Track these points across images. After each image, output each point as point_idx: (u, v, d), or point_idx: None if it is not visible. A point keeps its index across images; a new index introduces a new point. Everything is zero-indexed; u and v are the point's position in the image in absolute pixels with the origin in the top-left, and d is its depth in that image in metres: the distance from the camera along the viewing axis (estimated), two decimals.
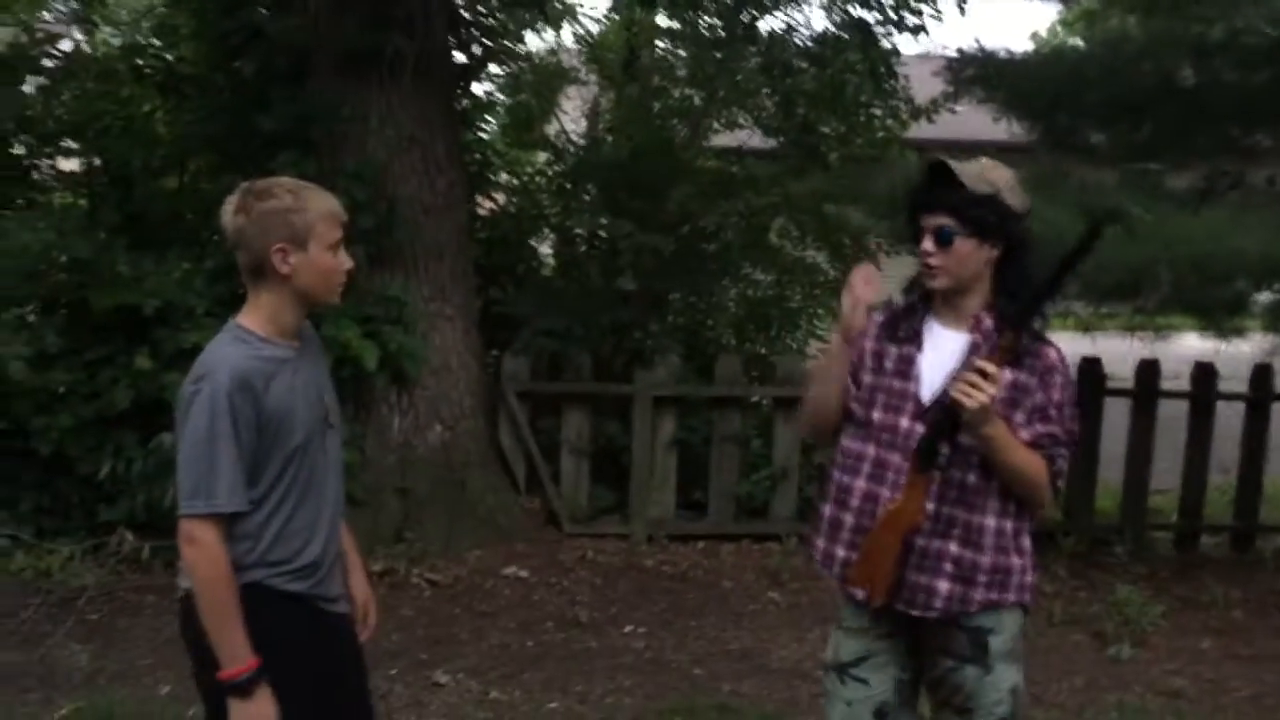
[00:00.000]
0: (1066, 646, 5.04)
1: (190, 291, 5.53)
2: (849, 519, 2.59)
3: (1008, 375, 2.44)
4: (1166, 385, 6.47)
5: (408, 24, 5.62)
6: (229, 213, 2.31)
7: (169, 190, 6.59)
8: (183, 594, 2.31)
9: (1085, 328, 6.12)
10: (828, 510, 2.65)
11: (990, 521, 2.51)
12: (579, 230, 7.15)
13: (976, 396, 2.33)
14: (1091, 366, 6.39)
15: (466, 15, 6.63)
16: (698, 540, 6.26)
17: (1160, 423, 6.43)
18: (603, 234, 6.90)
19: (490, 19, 7.05)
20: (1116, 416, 6.45)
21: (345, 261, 2.40)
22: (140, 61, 6.42)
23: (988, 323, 2.51)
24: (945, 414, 2.43)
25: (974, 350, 2.50)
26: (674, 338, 6.80)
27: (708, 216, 7.03)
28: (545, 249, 7.93)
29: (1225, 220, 5.01)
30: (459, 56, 6.82)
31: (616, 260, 6.96)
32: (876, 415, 2.56)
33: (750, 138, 7.62)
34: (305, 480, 2.34)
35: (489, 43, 7.07)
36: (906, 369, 2.56)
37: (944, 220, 2.46)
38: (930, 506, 2.48)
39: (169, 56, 6.62)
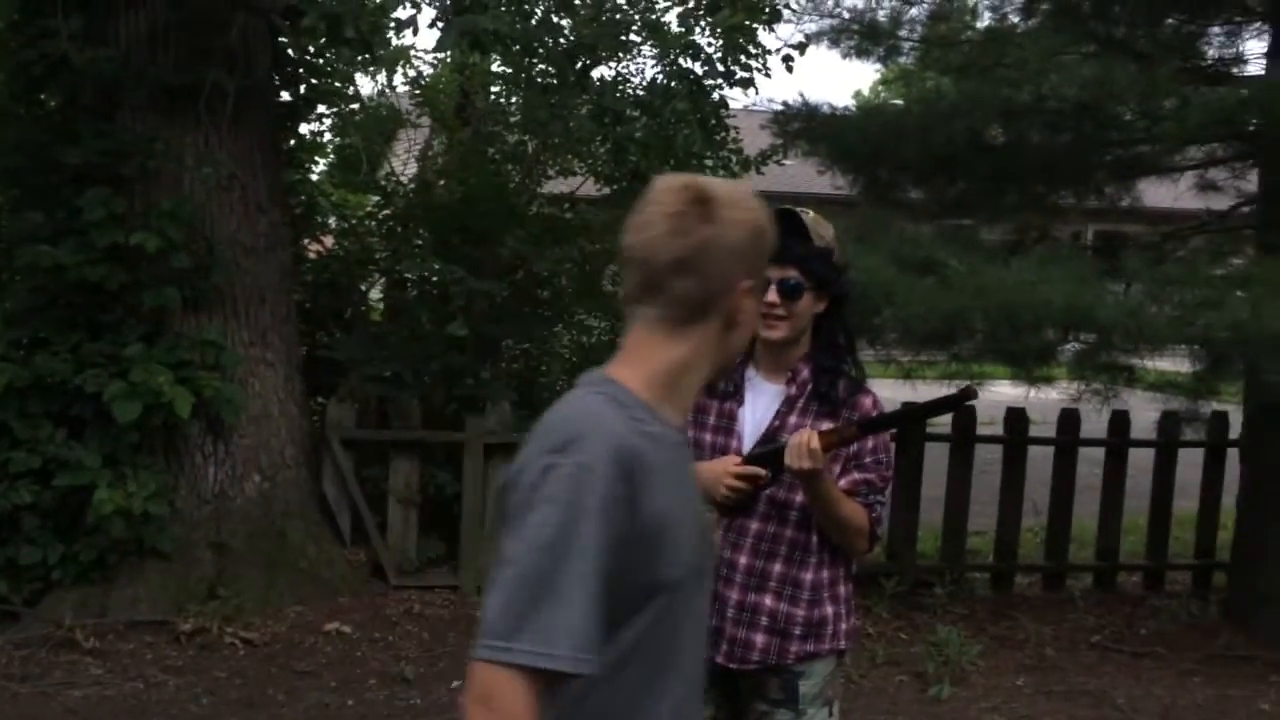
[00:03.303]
0: (889, 688, 5.13)
1: None
2: None
3: (824, 426, 2.48)
4: (982, 431, 6.72)
5: (228, 59, 5.43)
6: (688, 217, 1.52)
7: None
8: None
9: (906, 375, 6.30)
10: None
11: (808, 575, 2.54)
12: (409, 275, 7.01)
13: (802, 464, 2.38)
14: None
15: (292, 53, 6.46)
16: None
17: (977, 467, 6.67)
18: (434, 279, 6.79)
19: (318, 58, 6.89)
20: (936, 461, 6.66)
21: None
22: None
23: (804, 374, 2.56)
24: (772, 455, 2.46)
25: (788, 403, 2.55)
26: (507, 384, 6.72)
27: (541, 262, 7.00)
28: (375, 293, 7.76)
29: (1033, 272, 5.25)
30: (284, 95, 6.64)
31: (448, 305, 6.85)
32: None
33: (583, 184, 7.65)
34: (667, 641, 1.53)
35: (316, 82, 6.90)
36: (729, 424, 2.59)
37: (791, 273, 2.48)
38: (744, 560, 2.53)
39: None
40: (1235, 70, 6.37)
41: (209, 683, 4.79)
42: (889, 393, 6.94)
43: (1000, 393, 7.03)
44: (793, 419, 2.53)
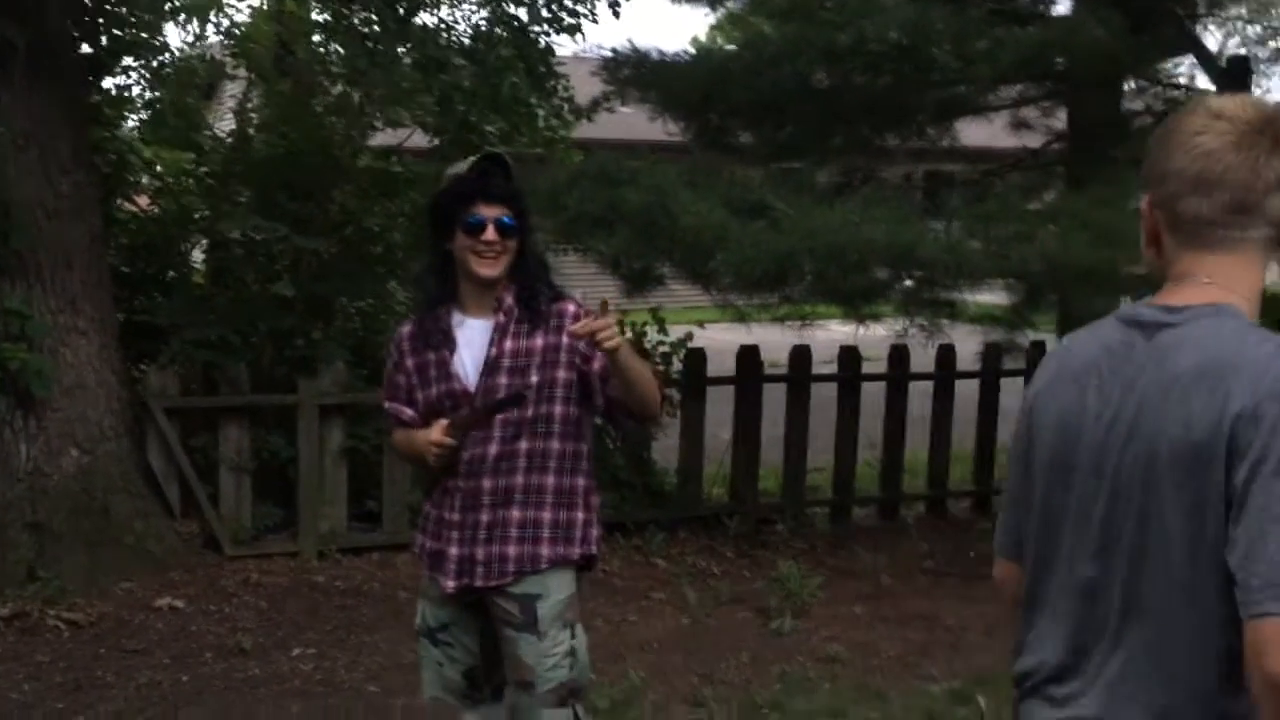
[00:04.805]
0: (733, 624, 5.24)
1: None
2: (433, 512, 2.83)
3: (538, 342, 2.69)
4: (818, 370, 6.87)
5: (15, 9, 5.08)
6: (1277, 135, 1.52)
7: None
8: None
9: (741, 318, 6.39)
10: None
11: (550, 479, 2.72)
12: (231, 234, 6.73)
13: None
14: (749, 355, 6.69)
15: (90, 3, 6.07)
16: (372, 552, 6.05)
17: (814, 405, 6.82)
18: (258, 238, 6.54)
19: (120, 7, 6.50)
20: (775, 402, 6.79)
21: None
22: None
23: (508, 301, 2.72)
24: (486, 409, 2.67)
25: (500, 330, 2.71)
26: (340, 343, 6.54)
27: (370, 217, 6.82)
28: (200, 255, 7.44)
29: (857, 213, 5.36)
30: (85, 48, 6.25)
31: (274, 265, 6.62)
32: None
33: (411, 136, 7.46)
34: None
35: (120, 33, 6.52)
36: (447, 373, 2.74)
37: (504, 211, 2.66)
38: (488, 483, 2.69)
39: None
40: (1043, 11, 6.60)
41: (30, 669, 4.57)
42: (728, 335, 7.09)
43: (834, 330, 7.23)
44: (507, 343, 2.70)
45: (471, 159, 2.76)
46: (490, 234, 2.63)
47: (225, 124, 8.33)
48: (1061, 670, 1.56)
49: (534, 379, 2.67)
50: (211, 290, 6.80)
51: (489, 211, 2.64)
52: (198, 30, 7.44)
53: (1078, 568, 1.54)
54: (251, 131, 7.16)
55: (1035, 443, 1.61)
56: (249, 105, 7.32)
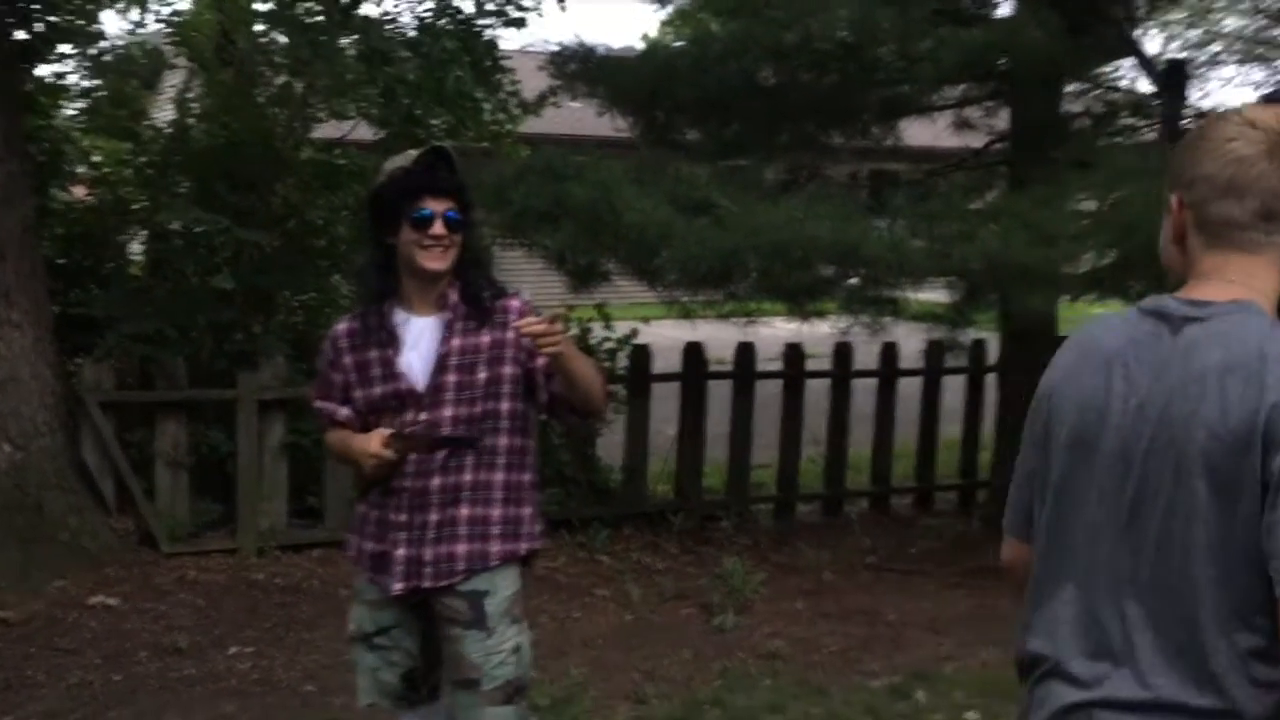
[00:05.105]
0: (676, 621, 5.25)
1: None
2: (373, 513, 2.75)
3: (485, 338, 2.66)
4: (763, 367, 6.90)
5: None
6: None
7: None
8: None
9: (686, 314, 6.40)
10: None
11: (498, 476, 2.70)
12: (172, 225, 6.62)
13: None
14: (694, 352, 6.69)
15: None
16: (313, 549, 5.97)
17: (758, 401, 6.85)
18: (198, 229, 6.43)
19: None
20: (720, 399, 6.80)
21: None
22: None
23: (454, 297, 2.69)
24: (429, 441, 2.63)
25: (449, 328, 2.68)
26: (281, 337, 6.46)
27: (313, 210, 6.74)
28: (138, 245, 7.31)
29: (801, 210, 5.38)
30: (19, 34, 6.11)
31: (214, 257, 6.51)
32: (386, 421, 2.68)
33: (356, 128, 7.38)
34: None
35: (55, 19, 6.38)
36: (391, 370, 2.69)
37: (450, 205, 2.63)
38: (437, 481, 2.65)
39: None
40: (986, 12, 6.66)
41: None
42: (673, 332, 7.08)
43: (778, 327, 7.26)
44: (455, 341, 2.66)
45: (412, 152, 2.72)
46: (438, 228, 2.60)
47: (165, 114, 8.20)
48: (1084, 651, 1.56)
49: (482, 376, 2.65)
50: (149, 282, 6.68)
51: (436, 205, 2.60)
52: (137, 18, 7.31)
53: (1100, 550, 1.56)
54: (192, 121, 7.04)
55: (1054, 426, 1.63)
56: (189, 95, 7.20)
